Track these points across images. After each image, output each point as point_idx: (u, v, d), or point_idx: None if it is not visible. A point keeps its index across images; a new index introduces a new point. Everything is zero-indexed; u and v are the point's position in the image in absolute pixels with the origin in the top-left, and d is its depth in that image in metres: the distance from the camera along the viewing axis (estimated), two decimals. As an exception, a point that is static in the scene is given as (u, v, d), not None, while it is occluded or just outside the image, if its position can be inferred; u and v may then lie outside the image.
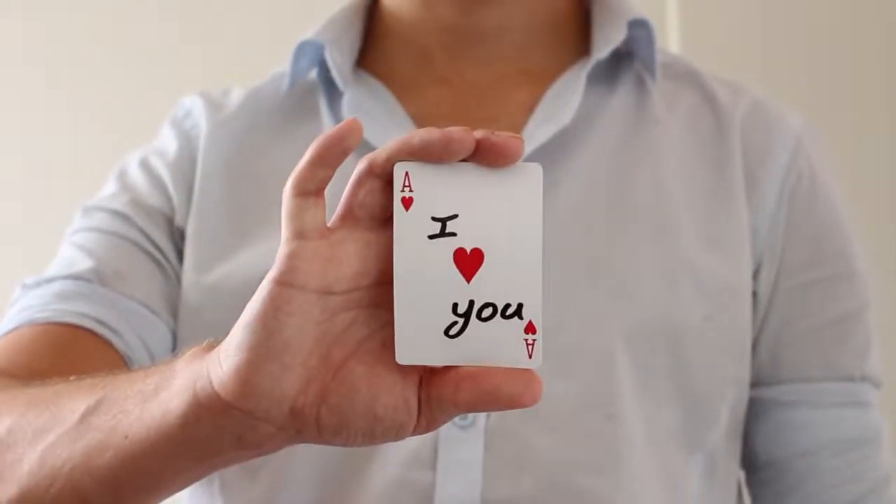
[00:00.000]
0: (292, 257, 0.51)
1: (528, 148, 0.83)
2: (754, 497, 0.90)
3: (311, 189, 0.52)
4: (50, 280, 0.84)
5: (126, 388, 0.58)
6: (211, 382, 0.52)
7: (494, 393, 0.51)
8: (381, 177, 0.52)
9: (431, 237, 0.51)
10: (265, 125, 0.92)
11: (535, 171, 0.52)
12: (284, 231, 0.52)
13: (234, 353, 0.51)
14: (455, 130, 0.50)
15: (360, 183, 0.52)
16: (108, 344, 0.81)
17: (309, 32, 0.92)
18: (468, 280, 0.51)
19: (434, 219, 0.51)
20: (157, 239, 0.87)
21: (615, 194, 0.85)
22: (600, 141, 0.87)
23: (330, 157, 0.52)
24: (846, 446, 0.86)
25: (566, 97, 0.87)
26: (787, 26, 1.54)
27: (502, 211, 0.51)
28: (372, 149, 0.85)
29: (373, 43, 0.94)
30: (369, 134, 0.87)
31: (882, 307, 0.91)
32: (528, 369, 0.51)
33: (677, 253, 0.83)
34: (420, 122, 0.88)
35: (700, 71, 0.93)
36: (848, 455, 0.86)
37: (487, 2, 0.89)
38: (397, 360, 0.51)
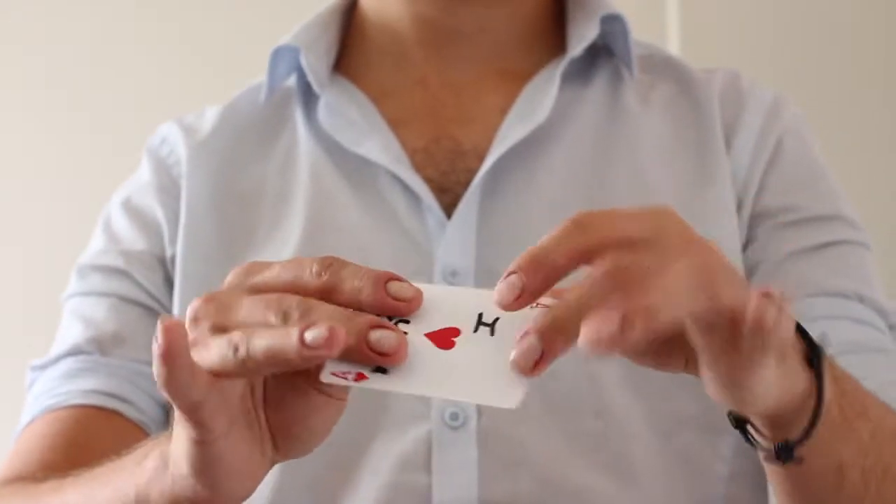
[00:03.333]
0: None
1: (504, 147, 0.84)
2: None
3: None
4: (55, 360, 0.86)
5: None
6: None
7: None
8: None
9: None
10: (244, 140, 0.91)
11: None
12: None
13: None
14: None
15: None
16: (119, 415, 0.83)
17: (284, 38, 0.91)
18: None
19: None
20: (155, 290, 0.87)
21: (593, 188, 0.85)
22: (576, 137, 0.87)
23: None
24: (836, 350, 0.78)
25: (541, 96, 0.87)
26: (787, 25, 1.54)
27: None
28: (347, 153, 0.86)
29: (350, 47, 0.94)
30: (345, 138, 0.87)
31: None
32: None
33: None
34: (396, 125, 0.88)
35: (677, 59, 0.93)
36: (841, 360, 0.78)
37: (470, 1, 0.89)
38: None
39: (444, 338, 0.53)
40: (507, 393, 0.51)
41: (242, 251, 0.85)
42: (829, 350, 0.78)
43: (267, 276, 0.54)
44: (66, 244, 1.62)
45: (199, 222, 0.87)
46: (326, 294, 0.52)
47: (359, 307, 0.52)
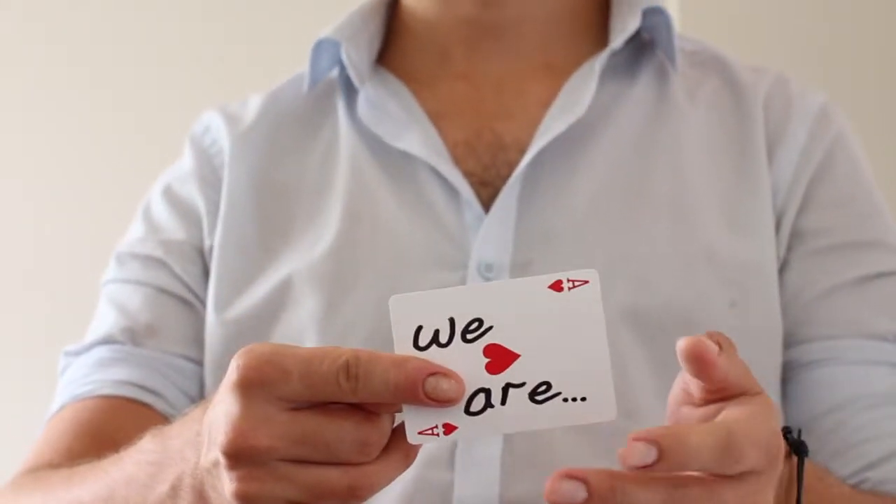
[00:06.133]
0: None
1: (544, 140, 0.83)
2: None
3: None
4: (88, 347, 0.86)
5: None
6: None
7: None
8: None
9: None
10: (286, 132, 0.91)
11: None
12: None
13: None
14: None
15: None
16: (148, 407, 0.82)
17: (326, 31, 0.91)
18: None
19: None
20: (192, 281, 0.87)
21: (633, 184, 0.84)
22: (618, 131, 0.86)
23: None
24: (875, 401, 0.80)
25: (582, 89, 0.86)
26: (787, 24, 1.54)
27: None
28: (387, 146, 0.86)
29: (392, 41, 0.94)
30: (385, 132, 0.87)
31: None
32: None
33: (696, 240, 0.82)
34: (436, 117, 0.88)
35: (725, 56, 0.92)
36: (878, 411, 0.80)
37: (504, 1, 0.89)
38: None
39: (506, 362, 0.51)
40: (602, 404, 0.52)
41: (279, 243, 0.85)
42: (864, 402, 0.80)
43: (286, 392, 0.51)
44: (69, 235, 1.63)
45: (239, 214, 0.87)
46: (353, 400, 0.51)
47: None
